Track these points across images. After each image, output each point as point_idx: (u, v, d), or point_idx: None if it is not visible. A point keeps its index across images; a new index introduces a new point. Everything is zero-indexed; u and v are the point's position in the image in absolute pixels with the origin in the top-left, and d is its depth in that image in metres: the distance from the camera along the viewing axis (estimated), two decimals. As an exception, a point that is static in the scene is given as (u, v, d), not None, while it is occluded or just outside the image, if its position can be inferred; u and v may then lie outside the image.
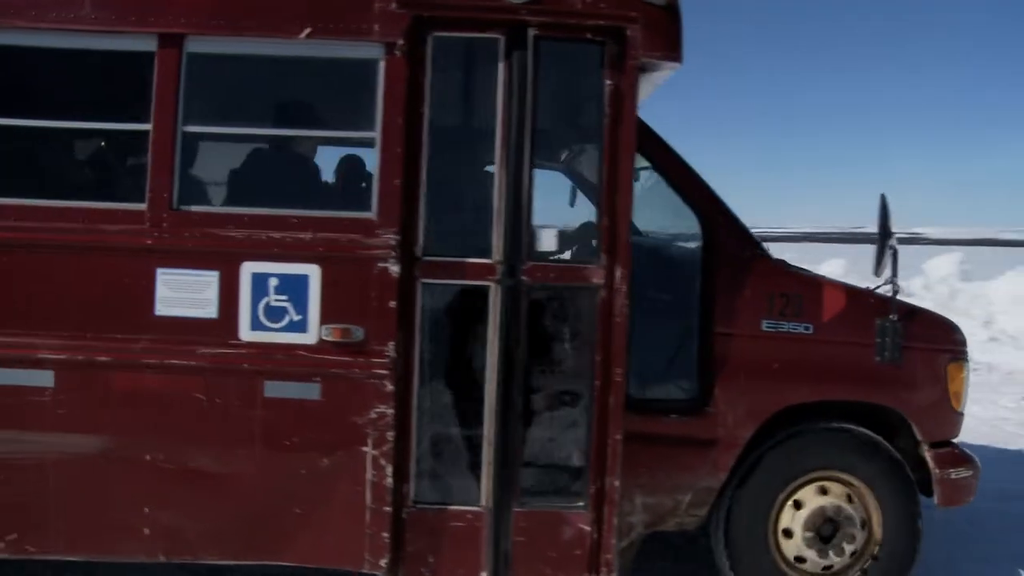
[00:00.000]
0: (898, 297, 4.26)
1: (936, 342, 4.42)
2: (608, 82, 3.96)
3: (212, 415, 3.86)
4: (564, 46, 4.00)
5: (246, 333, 3.85)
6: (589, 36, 3.96)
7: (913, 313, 4.41)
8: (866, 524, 4.33)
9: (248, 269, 3.84)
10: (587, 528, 4.03)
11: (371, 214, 3.87)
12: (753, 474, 4.28)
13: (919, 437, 4.37)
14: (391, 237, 3.84)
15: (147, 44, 3.84)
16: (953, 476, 4.37)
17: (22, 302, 3.82)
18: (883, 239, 4.00)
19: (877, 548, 4.31)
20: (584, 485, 4.04)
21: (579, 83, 4.12)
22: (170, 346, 3.84)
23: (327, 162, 4.58)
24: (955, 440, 4.51)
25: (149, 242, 3.82)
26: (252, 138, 4.14)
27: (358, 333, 3.85)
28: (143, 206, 3.84)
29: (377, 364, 3.86)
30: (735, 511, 4.30)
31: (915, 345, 4.30)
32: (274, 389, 3.87)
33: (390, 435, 3.87)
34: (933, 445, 4.40)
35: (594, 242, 4.07)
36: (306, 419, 3.88)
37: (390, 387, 3.86)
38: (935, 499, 4.38)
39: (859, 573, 4.33)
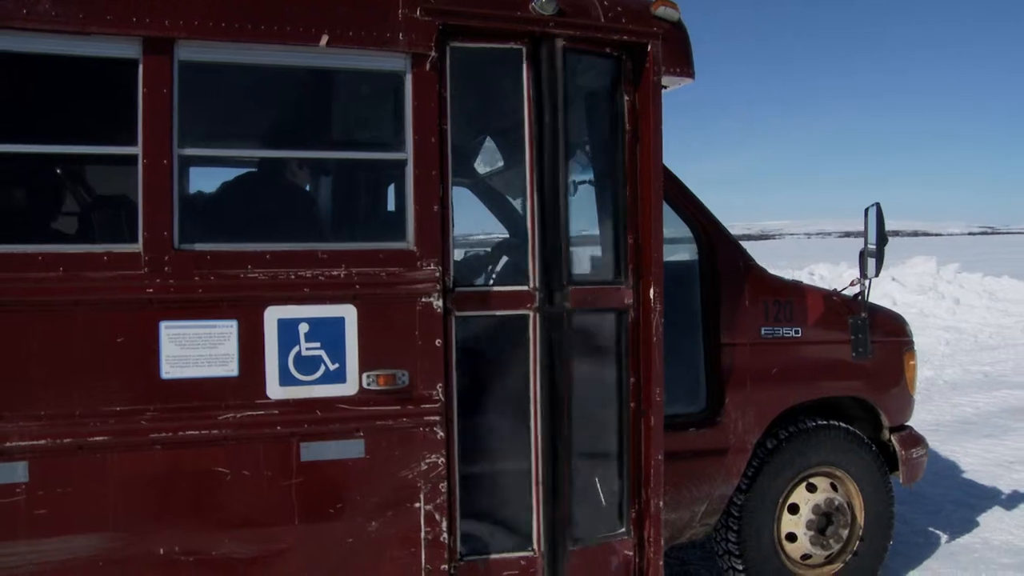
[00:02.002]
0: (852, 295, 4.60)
1: (895, 335, 4.82)
2: (630, 97, 3.86)
3: (239, 491, 3.26)
4: (589, 60, 3.83)
5: (275, 390, 3.30)
6: (612, 51, 3.83)
7: (873, 310, 4.76)
8: (851, 510, 4.62)
9: (273, 315, 3.28)
10: (631, 554, 3.92)
11: (408, 244, 3.46)
12: (759, 477, 4.40)
13: (886, 423, 4.74)
14: (433, 269, 3.46)
15: (128, 50, 3.14)
16: (915, 456, 4.78)
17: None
18: (881, 244, 4.27)
19: (861, 530, 4.62)
20: (627, 510, 3.92)
21: (602, 98, 3.96)
22: (182, 415, 3.19)
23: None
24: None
25: (149, 290, 3.14)
26: (260, 162, 3.50)
27: (403, 378, 3.43)
28: (137, 247, 3.14)
29: (426, 410, 3.47)
30: (745, 516, 4.39)
31: (879, 339, 4.64)
32: (312, 451, 3.34)
33: (443, 486, 3.50)
34: (893, 429, 4.79)
35: (614, 260, 3.94)
36: (350, 481, 3.40)
37: (441, 433, 3.49)
38: (900, 479, 4.77)
39: (851, 554, 4.61)
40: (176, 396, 3.18)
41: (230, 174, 3.49)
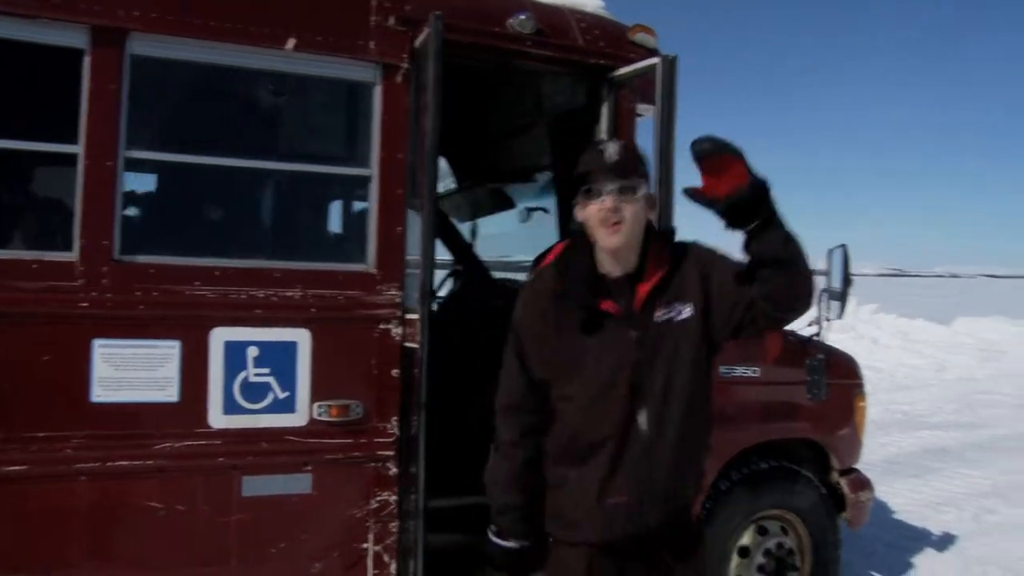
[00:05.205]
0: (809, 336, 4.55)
1: (847, 377, 4.78)
2: (605, 119, 3.73)
3: (172, 528, 2.98)
4: (565, 82, 3.69)
5: (217, 418, 3.03)
6: (589, 73, 3.70)
7: (828, 351, 4.72)
8: (800, 553, 4.54)
9: (220, 337, 3.02)
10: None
11: (368, 266, 3.24)
12: (711, 523, 4.28)
13: (836, 466, 4.69)
14: (394, 294, 3.25)
15: (74, 38, 2.87)
16: (862, 499, 4.74)
17: None
18: (845, 286, 4.23)
19: (809, 574, 4.54)
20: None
21: (578, 120, 3.82)
22: (112, 442, 2.90)
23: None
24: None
25: (83, 304, 2.85)
26: (218, 170, 3.22)
27: (357, 409, 3.21)
28: (72, 256, 2.86)
29: (380, 444, 3.25)
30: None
31: (833, 381, 4.60)
32: (254, 486, 3.08)
33: (393, 526, 3.28)
34: (842, 472, 4.75)
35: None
36: (295, 518, 3.14)
37: (394, 470, 3.27)
38: (848, 522, 4.72)
39: (798, 598, 4.53)
40: (107, 422, 2.89)
41: (181, 181, 3.21)
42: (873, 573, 5.74)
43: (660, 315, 2.38)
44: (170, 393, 2.96)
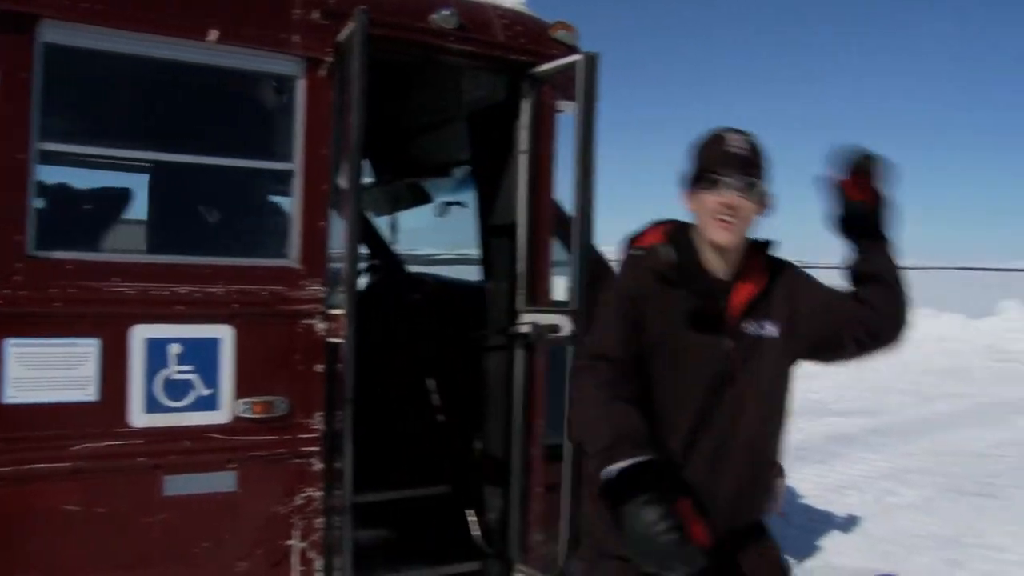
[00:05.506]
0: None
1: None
2: (526, 114, 3.77)
3: (92, 531, 2.90)
4: (486, 77, 3.72)
5: (139, 417, 2.98)
6: (510, 69, 3.73)
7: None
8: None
9: (141, 334, 2.96)
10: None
11: (292, 261, 3.22)
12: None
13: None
14: (318, 289, 3.24)
15: (-24, 22, 2.76)
16: (778, 485, 4.91)
17: None
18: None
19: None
20: (516, 541, 3.81)
21: (498, 115, 3.85)
22: (27, 444, 2.81)
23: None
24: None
25: (-5, 302, 2.75)
26: (138, 164, 3.14)
27: (282, 405, 3.19)
28: (-18, 252, 2.75)
29: (304, 440, 3.24)
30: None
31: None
32: (177, 485, 3.03)
33: (319, 522, 3.27)
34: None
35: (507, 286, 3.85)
36: (219, 517, 3.11)
37: (318, 465, 3.26)
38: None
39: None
40: (20, 423, 2.80)
41: (99, 175, 3.13)
42: (784, 556, 5.97)
43: (751, 328, 2.30)
44: (89, 392, 2.89)
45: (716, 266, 2.31)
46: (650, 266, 2.30)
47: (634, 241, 2.43)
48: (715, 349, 2.26)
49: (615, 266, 2.48)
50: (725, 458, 2.28)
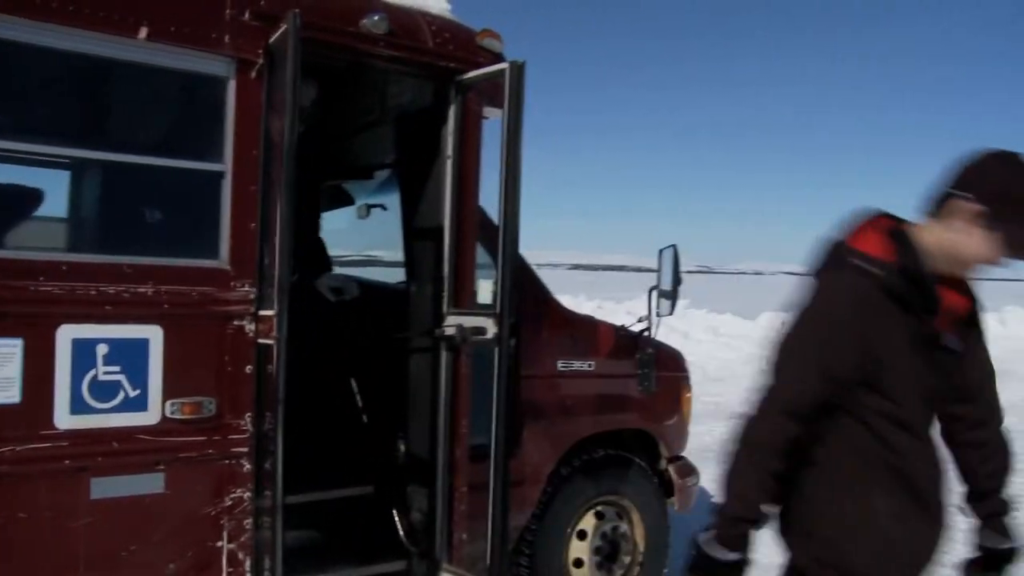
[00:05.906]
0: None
1: (675, 370, 5.13)
2: (452, 120, 3.85)
3: (16, 538, 2.85)
4: (414, 83, 3.78)
5: (64, 419, 2.93)
6: (438, 75, 3.81)
7: (658, 345, 5.04)
8: (634, 536, 4.84)
9: (67, 334, 2.92)
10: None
11: (221, 262, 3.22)
12: (550, 508, 4.49)
13: (665, 454, 5.03)
14: (248, 290, 3.25)
15: None
16: (689, 484, 5.11)
17: None
18: (676, 284, 4.54)
19: (642, 556, 4.85)
20: (441, 540, 3.87)
21: (423, 120, 3.91)
22: (-54, 448, 2.74)
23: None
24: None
25: (-88, 301, 2.68)
26: (66, 162, 3.07)
27: (210, 406, 3.18)
28: (-101, 250, 2.68)
29: (233, 441, 3.24)
30: (538, 541, 4.46)
31: (661, 374, 4.93)
32: (104, 487, 2.99)
33: (248, 523, 3.27)
34: (670, 459, 5.09)
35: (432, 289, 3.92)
36: (147, 520, 3.08)
37: (248, 466, 3.27)
38: (675, 506, 5.07)
39: (631, 580, 4.82)
40: (-62, 427, 2.73)
41: (26, 172, 3.06)
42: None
43: (951, 342, 2.24)
44: (11, 394, 2.83)
45: (939, 272, 2.17)
46: (880, 282, 2.13)
47: (851, 242, 2.23)
48: (930, 369, 2.20)
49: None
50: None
